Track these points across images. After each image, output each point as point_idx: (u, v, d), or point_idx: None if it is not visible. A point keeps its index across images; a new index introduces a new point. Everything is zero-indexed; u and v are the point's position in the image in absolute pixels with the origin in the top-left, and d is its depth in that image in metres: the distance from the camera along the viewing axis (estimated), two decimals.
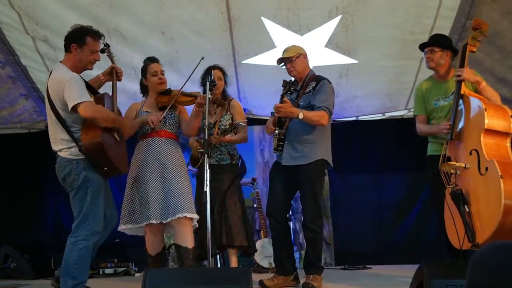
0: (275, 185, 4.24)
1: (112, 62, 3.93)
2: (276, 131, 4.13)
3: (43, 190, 6.37)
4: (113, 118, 3.60)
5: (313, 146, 4.10)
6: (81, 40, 3.53)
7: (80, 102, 3.35)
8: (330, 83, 4.23)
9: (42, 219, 6.49)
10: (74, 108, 3.37)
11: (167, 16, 4.91)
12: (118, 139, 3.68)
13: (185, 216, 3.84)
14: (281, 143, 4.12)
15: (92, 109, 3.42)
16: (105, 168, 3.51)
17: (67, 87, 3.39)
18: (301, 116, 3.96)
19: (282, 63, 4.28)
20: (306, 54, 4.30)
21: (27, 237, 6.25)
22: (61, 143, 3.51)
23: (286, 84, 4.08)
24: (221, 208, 4.54)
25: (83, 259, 3.46)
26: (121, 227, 4.01)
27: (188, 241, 3.93)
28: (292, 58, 4.20)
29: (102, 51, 3.85)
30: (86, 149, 3.43)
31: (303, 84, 4.24)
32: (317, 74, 4.32)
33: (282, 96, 4.06)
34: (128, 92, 5.45)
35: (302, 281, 4.15)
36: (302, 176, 4.08)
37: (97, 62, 3.67)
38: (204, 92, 3.92)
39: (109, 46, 3.94)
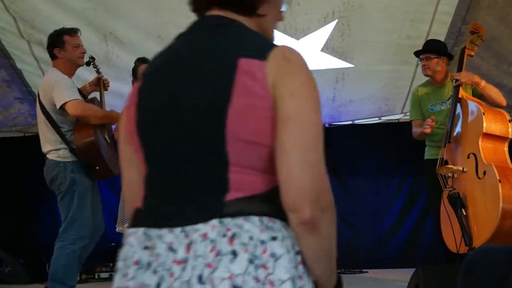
0: None
1: (98, 73, 3.97)
2: None
3: (38, 193, 6.32)
4: (103, 114, 3.65)
5: None
6: (60, 42, 3.61)
7: (69, 101, 3.38)
8: None
9: (37, 223, 6.44)
10: (62, 108, 3.39)
11: (163, 20, 4.90)
12: (109, 141, 3.70)
13: None
14: None
15: (82, 107, 3.45)
16: (97, 168, 3.51)
17: (56, 88, 3.45)
18: None
19: None
20: None
21: (21, 241, 6.21)
22: (49, 145, 3.53)
23: None
24: None
25: (71, 264, 3.44)
26: (118, 228, 4.01)
27: None
28: None
29: (88, 63, 3.91)
30: (79, 149, 3.44)
31: None
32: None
33: None
34: (124, 96, 5.38)
35: None
36: None
37: (84, 76, 3.70)
38: None
39: (94, 59, 3.98)
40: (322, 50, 5.25)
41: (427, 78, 4.12)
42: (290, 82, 1.04)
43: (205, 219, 1.01)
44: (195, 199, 1.05)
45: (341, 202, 6.50)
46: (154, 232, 1.05)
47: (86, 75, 4.42)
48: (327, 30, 5.02)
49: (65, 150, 3.48)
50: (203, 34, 1.18)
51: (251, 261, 0.99)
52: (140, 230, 1.08)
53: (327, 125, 6.46)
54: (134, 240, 1.08)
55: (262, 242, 1.01)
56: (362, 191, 6.45)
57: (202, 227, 1.01)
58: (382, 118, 6.27)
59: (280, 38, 5.11)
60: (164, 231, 1.04)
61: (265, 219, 1.03)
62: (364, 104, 6.04)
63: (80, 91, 3.81)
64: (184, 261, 1.00)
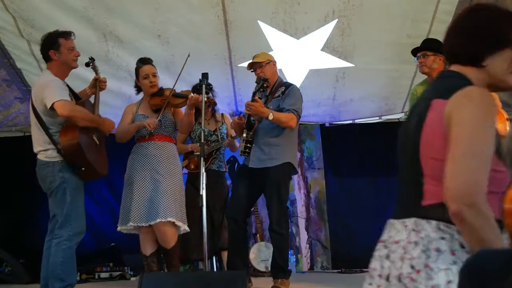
0: (239, 189, 4.21)
1: (96, 74, 3.97)
2: (244, 134, 4.14)
3: (38, 193, 6.27)
4: (91, 117, 3.66)
5: (280, 149, 4.10)
6: (55, 44, 3.63)
7: (57, 101, 3.41)
8: (299, 89, 4.29)
9: (37, 222, 6.43)
10: (52, 108, 3.42)
11: (163, 20, 4.89)
12: (98, 142, 3.71)
13: (161, 221, 3.81)
14: (248, 145, 4.13)
15: (69, 108, 3.47)
16: (83, 169, 3.54)
17: (47, 89, 3.49)
18: (271, 117, 3.96)
19: (252, 69, 4.32)
20: (275, 62, 4.35)
21: (22, 241, 6.21)
22: (39, 145, 3.60)
23: (259, 80, 4.11)
24: (223, 212, 4.57)
25: (68, 260, 3.46)
26: (119, 228, 4.02)
27: (167, 242, 3.92)
28: (262, 64, 4.23)
29: (87, 64, 3.92)
30: (64, 150, 3.49)
31: (272, 90, 4.26)
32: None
33: (254, 94, 4.10)
34: (124, 95, 5.44)
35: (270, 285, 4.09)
36: (269, 177, 4.05)
37: (85, 76, 3.69)
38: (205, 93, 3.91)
39: (94, 60, 3.99)
40: (322, 49, 5.25)
41: (426, 77, 4.12)
42: (458, 114, 1.44)
43: (409, 216, 1.52)
44: (408, 201, 1.60)
45: (340, 201, 6.53)
46: (393, 221, 1.60)
47: (87, 75, 4.42)
48: (327, 29, 5.01)
49: (53, 150, 3.53)
50: (431, 84, 1.69)
51: (423, 251, 1.43)
52: (390, 220, 1.62)
53: (327, 124, 6.47)
54: (387, 226, 1.63)
55: (433, 239, 1.44)
56: (362, 190, 6.44)
57: (407, 221, 1.52)
58: (383, 117, 6.27)
59: (280, 38, 5.10)
60: (396, 221, 1.57)
61: (442, 224, 1.45)
62: (364, 104, 6.04)
63: (77, 95, 3.81)
64: (398, 242, 1.51)
